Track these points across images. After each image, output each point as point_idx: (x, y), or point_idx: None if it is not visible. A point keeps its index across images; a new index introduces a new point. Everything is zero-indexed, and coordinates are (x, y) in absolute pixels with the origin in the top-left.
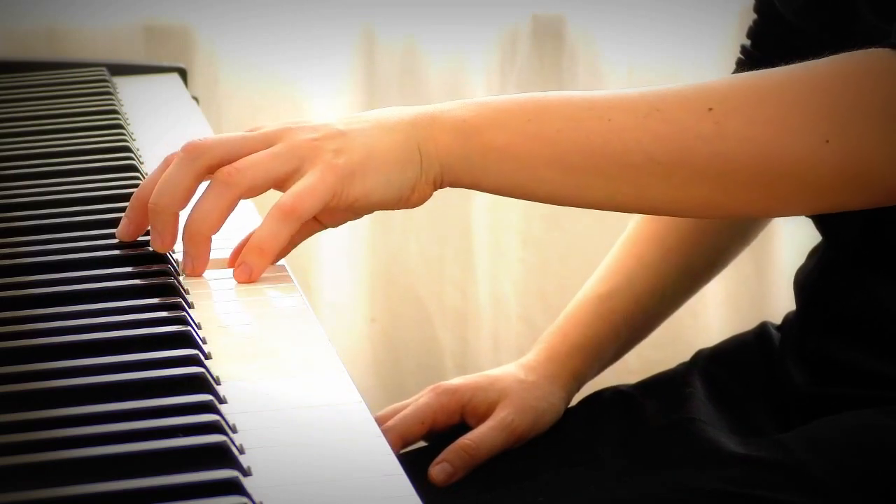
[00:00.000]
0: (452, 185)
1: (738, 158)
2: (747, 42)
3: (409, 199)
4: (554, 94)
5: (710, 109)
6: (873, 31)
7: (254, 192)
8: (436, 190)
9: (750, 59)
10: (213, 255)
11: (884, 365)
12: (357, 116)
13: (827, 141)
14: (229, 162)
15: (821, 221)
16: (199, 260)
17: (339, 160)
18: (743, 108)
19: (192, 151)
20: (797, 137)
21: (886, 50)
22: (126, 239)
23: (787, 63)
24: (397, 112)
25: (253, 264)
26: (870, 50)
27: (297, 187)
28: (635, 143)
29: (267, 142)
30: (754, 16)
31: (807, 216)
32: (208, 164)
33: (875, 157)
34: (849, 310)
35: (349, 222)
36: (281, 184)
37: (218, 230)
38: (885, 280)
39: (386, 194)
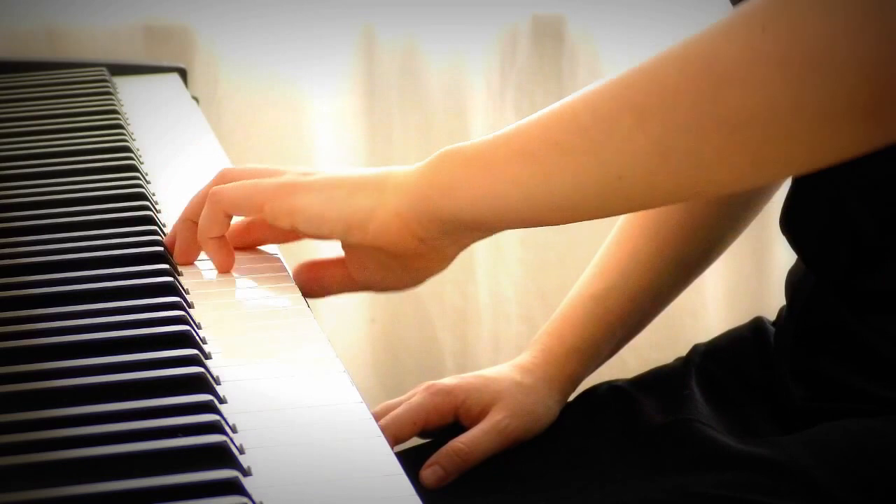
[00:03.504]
0: (433, 219)
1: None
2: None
3: (364, 228)
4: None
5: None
6: None
7: (235, 210)
8: (416, 230)
9: None
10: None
11: (880, 388)
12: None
13: (763, 28)
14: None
15: (805, 257)
16: (217, 255)
17: (290, 178)
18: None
19: (221, 175)
20: (732, 36)
21: None
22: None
23: None
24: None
25: (208, 250)
26: None
27: (236, 184)
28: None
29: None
30: None
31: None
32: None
33: (822, 33)
34: (842, 332)
35: None
36: (259, 208)
37: (215, 234)
38: (872, 312)
39: (325, 211)
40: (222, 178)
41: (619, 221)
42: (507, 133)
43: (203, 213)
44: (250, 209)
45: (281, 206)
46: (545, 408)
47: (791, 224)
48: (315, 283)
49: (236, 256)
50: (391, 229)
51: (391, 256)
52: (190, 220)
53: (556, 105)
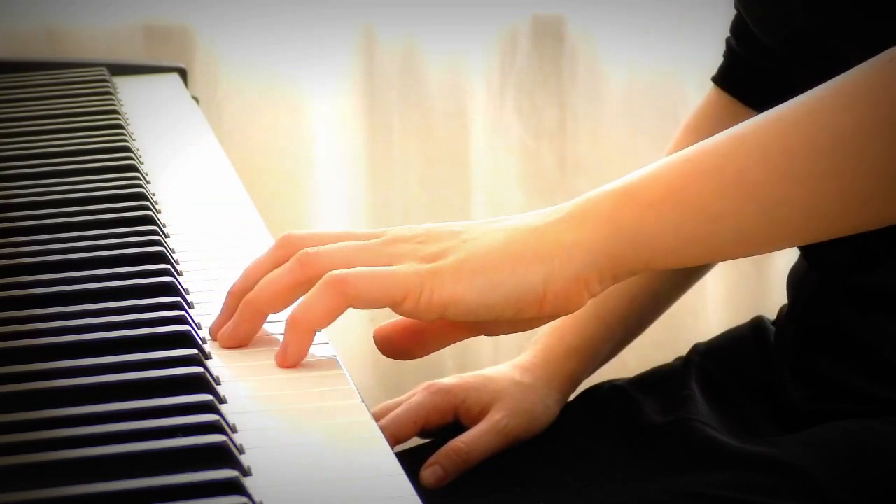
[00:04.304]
0: (617, 275)
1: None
2: (731, 38)
3: (539, 302)
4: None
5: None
6: None
7: (362, 302)
8: (594, 289)
9: (734, 57)
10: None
11: (880, 388)
12: (496, 220)
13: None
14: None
15: (808, 255)
16: (298, 349)
17: (428, 265)
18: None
19: (304, 260)
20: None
21: None
22: (214, 335)
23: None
24: (544, 210)
25: (288, 343)
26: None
27: (365, 270)
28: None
29: (380, 256)
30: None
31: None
32: (317, 273)
33: None
34: (844, 332)
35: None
36: (396, 306)
37: (323, 327)
38: (874, 311)
39: (489, 300)
40: (289, 245)
41: None
42: (695, 168)
43: (317, 298)
44: (383, 304)
45: (430, 300)
46: (544, 407)
47: None
48: (415, 344)
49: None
50: (570, 297)
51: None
52: (261, 312)
53: (763, 128)
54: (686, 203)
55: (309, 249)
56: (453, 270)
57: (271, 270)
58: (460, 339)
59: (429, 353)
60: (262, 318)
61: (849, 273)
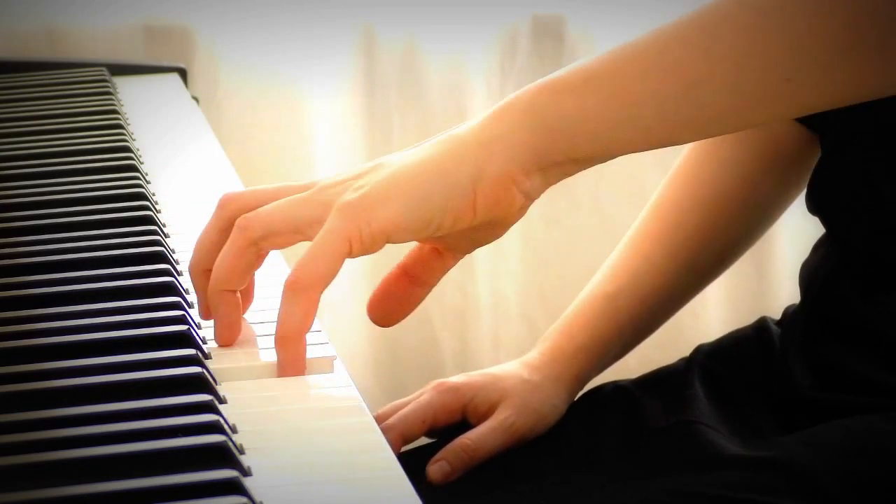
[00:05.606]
0: (542, 167)
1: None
2: None
3: (472, 206)
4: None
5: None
6: None
7: (271, 238)
8: (523, 186)
9: None
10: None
11: (889, 375)
12: (417, 144)
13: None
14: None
15: (829, 226)
16: (224, 321)
17: (354, 195)
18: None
19: (242, 225)
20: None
21: None
22: (204, 317)
23: None
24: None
25: (285, 359)
26: None
27: (305, 254)
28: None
29: (314, 205)
30: None
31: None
32: (258, 235)
33: None
34: (855, 318)
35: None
36: (302, 232)
37: (241, 284)
38: (888, 289)
39: (424, 213)
40: (228, 203)
41: (633, 225)
42: (618, 55)
43: (287, 306)
44: (339, 263)
45: (371, 233)
46: (551, 406)
47: (816, 195)
48: (417, 283)
49: None
50: (499, 196)
51: (486, 221)
52: (226, 291)
53: (684, 17)
54: (606, 87)
55: (247, 214)
56: (381, 194)
57: (216, 235)
58: (448, 266)
59: (430, 287)
60: (232, 297)
61: (867, 244)
